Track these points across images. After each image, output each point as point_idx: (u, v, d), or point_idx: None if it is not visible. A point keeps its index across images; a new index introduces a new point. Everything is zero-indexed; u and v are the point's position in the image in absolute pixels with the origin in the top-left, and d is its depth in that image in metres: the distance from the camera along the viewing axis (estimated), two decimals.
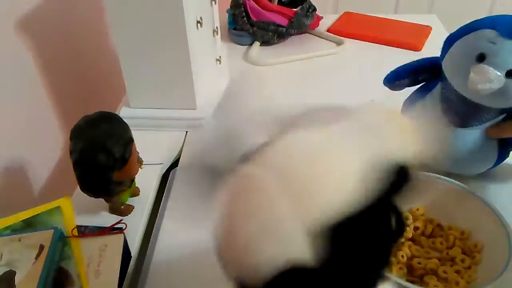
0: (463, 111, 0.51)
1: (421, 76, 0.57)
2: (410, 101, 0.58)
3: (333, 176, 0.24)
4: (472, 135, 0.52)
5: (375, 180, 0.24)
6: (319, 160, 0.24)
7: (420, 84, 0.58)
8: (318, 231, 0.23)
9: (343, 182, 0.24)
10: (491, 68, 0.45)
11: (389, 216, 0.25)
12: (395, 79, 0.59)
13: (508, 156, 0.55)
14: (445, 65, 0.51)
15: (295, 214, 0.23)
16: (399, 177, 0.25)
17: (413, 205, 0.51)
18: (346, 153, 0.24)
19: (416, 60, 0.57)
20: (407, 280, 0.44)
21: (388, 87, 0.60)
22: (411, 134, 0.26)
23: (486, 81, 0.45)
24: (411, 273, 0.46)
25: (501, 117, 0.51)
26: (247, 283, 0.24)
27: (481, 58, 0.46)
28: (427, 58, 0.56)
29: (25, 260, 0.42)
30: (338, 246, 0.23)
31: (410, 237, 0.49)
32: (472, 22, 0.49)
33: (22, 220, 0.47)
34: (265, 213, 0.24)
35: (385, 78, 0.59)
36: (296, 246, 0.23)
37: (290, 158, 0.25)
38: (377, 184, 0.24)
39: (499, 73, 0.45)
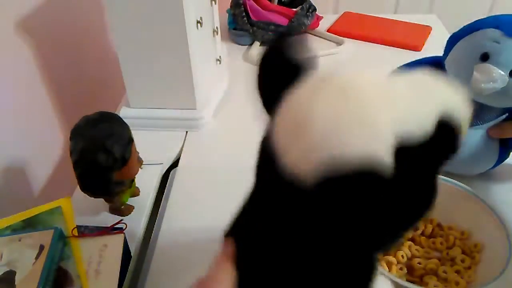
0: None
1: None
2: None
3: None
4: (474, 135, 0.52)
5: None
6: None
7: None
8: (401, 146, 0.22)
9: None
10: (495, 68, 0.45)
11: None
12: None
13: (508, 156, 0.55)
14: (448, 64, 0.51)
15: (388, 119, 0.22)
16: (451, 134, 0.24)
17: None
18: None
19: (419, 59, 0.57)
20: (407, 280, 0.44)
21: None
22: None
23: (490, 80, 0.45)
24: (411, 273, 0.46)
25: (503, 116, 0.51)
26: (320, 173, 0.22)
27: (484, 57, 0.46)
28: (429, 57, 0.56)
29: (25, 260, 0.42)
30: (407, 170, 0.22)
31: (410, 237, 0.49)
32: (475, 21, 0.49)
33: (23, 220, 0.48)
34: (358, 105, 0.22)
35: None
36: (382, 149, 0.21)
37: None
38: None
39: (503, 73, 0.45)
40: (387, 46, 0.90)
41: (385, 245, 0.26)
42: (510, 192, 0.55)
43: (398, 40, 0.90)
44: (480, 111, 0.50)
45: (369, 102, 0.22)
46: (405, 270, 0.46)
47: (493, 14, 0.49)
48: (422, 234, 0.49)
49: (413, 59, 0.58)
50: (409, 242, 0.48)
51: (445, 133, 0.23)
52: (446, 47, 0.51)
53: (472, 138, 0.52)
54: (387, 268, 0.45)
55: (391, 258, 0.46)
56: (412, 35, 0.92)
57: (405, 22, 0.97)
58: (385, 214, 0.22)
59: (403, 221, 0.23)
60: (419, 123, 0.22)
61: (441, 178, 0.50)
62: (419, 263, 0.46)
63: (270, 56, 0.28)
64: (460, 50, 0.49)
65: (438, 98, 0.23)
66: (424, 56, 0.58)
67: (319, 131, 0.22)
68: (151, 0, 0.58)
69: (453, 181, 0.50)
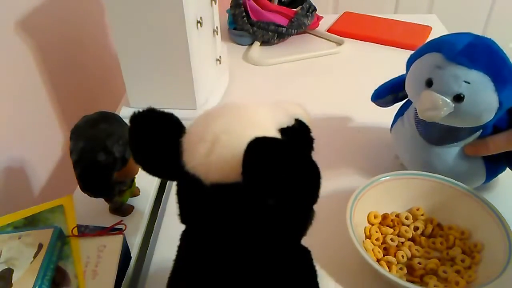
0: (436, 129, 0.50)
1: (401, 93, 0.56)
2: (395, 118, 0.58)
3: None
4: (451, 153, 0.51)
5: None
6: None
7: (404, 100, 0.58)
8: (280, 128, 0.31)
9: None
10: (439, 95, 0.44)
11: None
12: (377, 97, 0.59)
13: (502, 170, 0.53)
14: (406, 88, 0.50)
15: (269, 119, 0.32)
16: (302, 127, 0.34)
17: (413, 205, 0.51)
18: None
19: (395, 77, 0.57)
20: (407, 280, 0.44)
21: (376, 105, 0.60)
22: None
23: (434, 108, 0.45)
24: (411, 273, 0.46)
25: (478, 133, 0.49)
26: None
27: (429, 83, 0.46)
28: (404, 75, 0.54)
29: (23, 259, 0.42)
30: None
31: (410, 237, 0.49)
32: (426, 43, 0.49)
33: (25, 218, 0.47)
34: (247, 116, 0.32)
35: (371, 96, 0.60)
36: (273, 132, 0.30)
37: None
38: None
39: (447, 100, 0.44)
40: (387, 46, 0.90)
41: (299, 222, 0.31)
42: (510, 192, 0.55)
43: (398, 40, 0.90)
44: (450, 130, 0.49)
45: (253, 111, 0.32)
46: (405, 270, 0.46)
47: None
48: (422, 234, 0.49)
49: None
50: (409, 242, 0.48)
51: (300, 124, 0.34)
52: (406, 68, 0.51)
53: (449, 156, 0.51)
54: (387, 268, 0.45)
55: (391, 258, 0.46)
56: (412, 35, 0.92)
57: (405, 22, 0.97)
58: (290, 188, 0.26)
59: (303, 195, 0.27)
60: (285, 119, 0.33)
61: (442, 178, 0.50)
62: (419, 263, 0.46)
63: (144, 118, 0.35)
64: (411, 74, 0.49)
65: (290, 110, 0.34)
66: None
67: (226, 143, 0.29)
68: (151, 0, 0.58)
69: (453, 181, 0.50)
